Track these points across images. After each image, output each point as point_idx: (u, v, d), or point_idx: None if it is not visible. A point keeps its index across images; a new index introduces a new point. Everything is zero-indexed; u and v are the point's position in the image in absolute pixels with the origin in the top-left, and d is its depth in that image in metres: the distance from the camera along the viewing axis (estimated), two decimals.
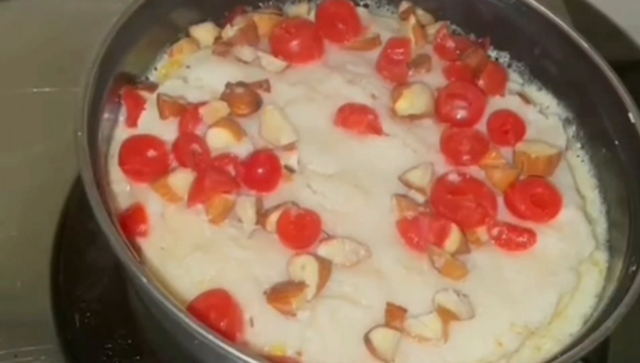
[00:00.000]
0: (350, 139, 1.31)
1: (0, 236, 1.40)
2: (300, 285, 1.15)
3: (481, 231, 1.26)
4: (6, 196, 1.44)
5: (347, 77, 1.38)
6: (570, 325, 1.25)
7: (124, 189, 1.25)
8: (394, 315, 1.16)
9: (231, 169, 1.23)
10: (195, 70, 1.38)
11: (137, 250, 1.17)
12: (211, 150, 1.25)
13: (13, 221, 1.42)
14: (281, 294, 1.15)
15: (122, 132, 1.31)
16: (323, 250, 1.19)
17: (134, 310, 1.34)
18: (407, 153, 1.31)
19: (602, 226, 1.34)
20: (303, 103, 1.34)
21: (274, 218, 1.19)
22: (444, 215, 1.24)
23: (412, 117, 1.34)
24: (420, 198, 1.25)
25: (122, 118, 1.32)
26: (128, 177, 1.24)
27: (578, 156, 1.41)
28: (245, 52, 1.38)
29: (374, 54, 1.43)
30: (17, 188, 1.45)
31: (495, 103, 1.40)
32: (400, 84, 1.37)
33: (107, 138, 1.29)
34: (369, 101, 1.35)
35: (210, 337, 1.02)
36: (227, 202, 1.20)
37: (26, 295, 1.34)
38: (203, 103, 1.28)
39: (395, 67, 1.40)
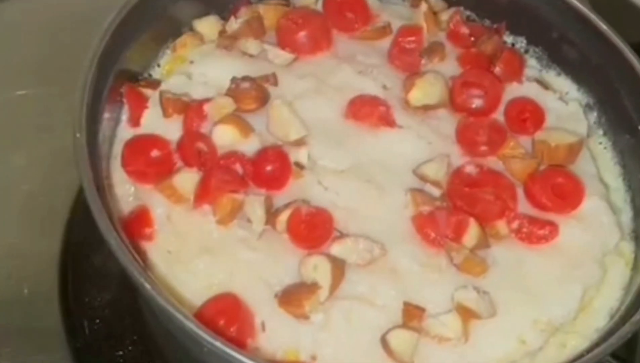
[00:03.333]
0: (362, 132, 1.26)
1: (5, 242, 1.35)
2: (312, 287, 1.11)
3: (501, 225, 1.20)
4: (11, 200, 1.40)
5: (358, 68, 1.33)
6: (596, 319, 1.20)
7: (127, 191, 1.21)
8: (412, 314, 1.11)
9: (239, 167, 1.18)
10: (200, 65, 1.34)
11: (143, 254, 1.13)
12: (217, 148, 1.20)
13: (19, 226, 1.38)
14: (293, 297, 1.11)
15: (124, 132, 1.26)
16: (336, 249, 1.14)
17: (144, 315, 1.30)
18: (422, 145, 1.26)
19: (627, 215, 1.29)
20: (312, 96, 1.29)
21: (284, 217, 1.15)
22: (461, 209, 1.19)
23: (426, 108, 1.29)
24: (436, 191, 1.20)
25: (124, 117, 1.28)
26: (131, 178, 1.20)
27: (600, 143, 1.36)
28: (251, 45, 1.34)
29: (385, 43, 1.38)
30: (21, 192, 1.41)
31: (513, 90, 1.35)
32: (412, 74, 1.32)
33: (109, 138, 1.24)
34: (381, 92, 1.30)
35: (218, 344, 0.98)
36: (235, 202, 1.15)
37: (34, 302, 1.30)
38: (208, 99, 1.23)
39: (407, 57, 1.34)
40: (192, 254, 1.14)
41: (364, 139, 1.26)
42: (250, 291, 1.12)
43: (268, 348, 1.10)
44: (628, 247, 1.25)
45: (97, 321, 1.29)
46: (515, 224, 1.21)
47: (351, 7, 1.39)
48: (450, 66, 1.35)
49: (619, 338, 1.10)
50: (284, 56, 1.33)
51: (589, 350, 1.11)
